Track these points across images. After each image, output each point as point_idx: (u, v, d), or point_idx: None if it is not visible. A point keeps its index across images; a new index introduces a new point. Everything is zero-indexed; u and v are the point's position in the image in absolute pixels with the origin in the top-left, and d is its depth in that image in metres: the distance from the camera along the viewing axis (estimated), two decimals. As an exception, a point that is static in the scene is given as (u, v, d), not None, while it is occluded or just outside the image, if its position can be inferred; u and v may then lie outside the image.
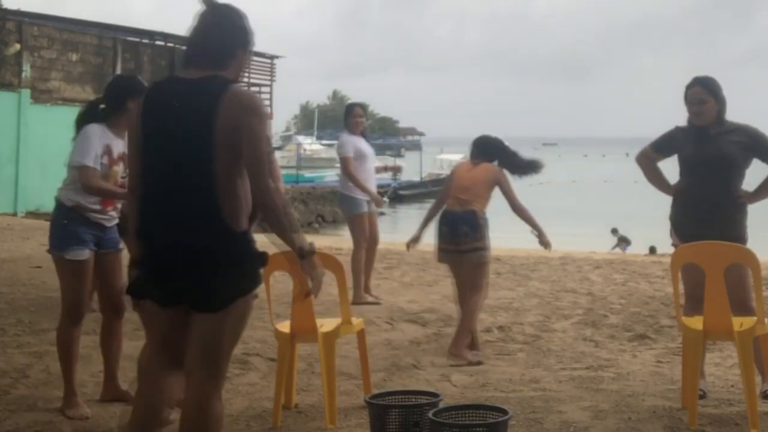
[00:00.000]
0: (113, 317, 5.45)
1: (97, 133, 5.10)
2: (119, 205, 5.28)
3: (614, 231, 24.84)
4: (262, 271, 3.54)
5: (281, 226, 3.43)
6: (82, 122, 5.24)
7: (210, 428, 3.43)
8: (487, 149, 7.09)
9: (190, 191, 3.40)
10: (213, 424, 3.43)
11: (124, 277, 5.39)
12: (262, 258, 3.50)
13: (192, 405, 3.45)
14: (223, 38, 3.53)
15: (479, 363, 6.49)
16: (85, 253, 5.14)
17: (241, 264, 3.43)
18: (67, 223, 5.14)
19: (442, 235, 6.74)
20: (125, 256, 5.71)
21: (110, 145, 5.13)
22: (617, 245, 22.85)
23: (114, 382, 5.43)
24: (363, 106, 9.62)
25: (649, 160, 5.82)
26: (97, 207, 5.17)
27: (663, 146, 5.75)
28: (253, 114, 3.40)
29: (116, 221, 5.33)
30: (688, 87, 5.59)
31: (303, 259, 3.50)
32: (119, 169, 5.18)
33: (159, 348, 3.61)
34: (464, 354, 6.55)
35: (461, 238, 6.64)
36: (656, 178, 5.86)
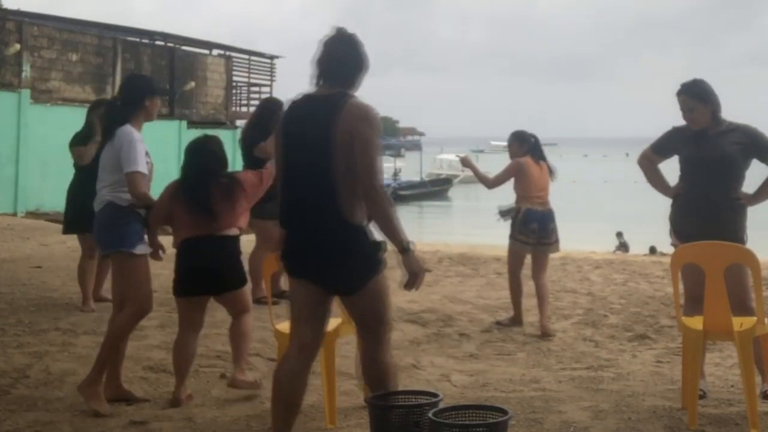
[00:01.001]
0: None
1: (138, 136, 5.29)
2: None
3: (619, 234, 24.93)
4: (383, 255, 4.10)
5: (386, 223, 4.03)
6: (110, 124, 5.41)
7: (385, 376, 4.29)
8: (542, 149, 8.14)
9: (316, 191, 4.03)
10: (386, 372, 4.29)
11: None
12: (380, 245, 4.10)
13: (367, 362, 4.29)
14: (351, 62, 4.19)
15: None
16: (147, 247, 5.38)
17: (361, 252, 4.05)
18: (127, 222, 5.32)
19: (532, 232, 7.83)
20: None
21: (144, 145, 5.33)
22: (617, 250, 22.96)
23: (117, 381, 5.46)
24: None
25: (649, 162, 5.81)
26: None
27: (662, 148, 5.75)
28: (366, 122, 4.01)
29: None
30: (677, 95, 5.58)
31: (404, 254, 4.01)
32: (153, 164, 5.44)
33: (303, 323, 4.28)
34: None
35: (549, 234, 7.88)
36: (656, 180, 5.85)
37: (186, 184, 5.41)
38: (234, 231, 5.49)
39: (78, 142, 8.00)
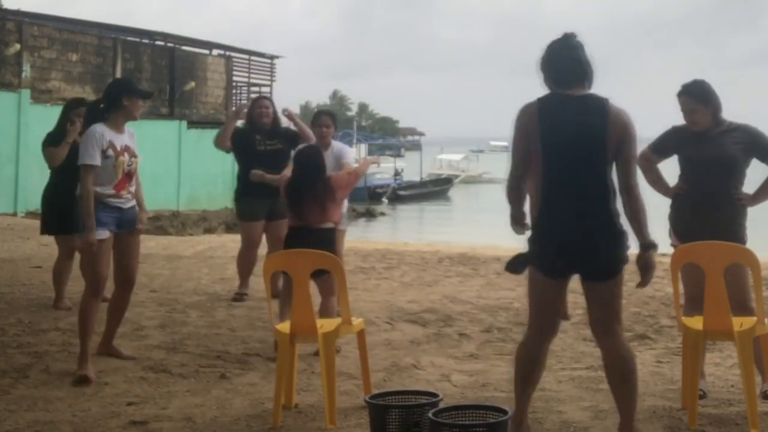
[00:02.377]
0: (124, 290, 6.25)
1: (100, 132, 5.86)
2: (132, 189, 6.05)
3: None
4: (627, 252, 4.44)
5: (639, 217, 4.42)
6: (86, 123, 6.06)
7: (629, 358, 4.46)
8: None
9: (587, 186, 4.35)
10: (630, 353, 4.49)
11: (138, 255, 6.29)
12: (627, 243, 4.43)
13: (613, 347, 4.47)
14: (589, 64, 4.55)
15: None
16: (105, 233, 5.88)
17: (622, 245, 4.41)
18: (79, 210, 5.95)
19: None
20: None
21: (112, 140, 5.89)
22: None
23: (110, 343, 6.32)
24: (332, 115, 8.42)
25: (648, 162, 5.80)
26: (112, 191, 5.91)
27: (661, 148, 5.73)
28: (631, 125, 4.42)
29: (133, 203, 6.09)
30: (677, 96, 5.57)
31: (647, 250, 4.44)
32: (125, 159, 5.94)
33: (539, 316, 4.65)
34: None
35: None
36: (656, 181, 5.83)
37: (289, 188, 6.52)
38: (328, 224, 6.48)
39: (50, 143, 7.71)
